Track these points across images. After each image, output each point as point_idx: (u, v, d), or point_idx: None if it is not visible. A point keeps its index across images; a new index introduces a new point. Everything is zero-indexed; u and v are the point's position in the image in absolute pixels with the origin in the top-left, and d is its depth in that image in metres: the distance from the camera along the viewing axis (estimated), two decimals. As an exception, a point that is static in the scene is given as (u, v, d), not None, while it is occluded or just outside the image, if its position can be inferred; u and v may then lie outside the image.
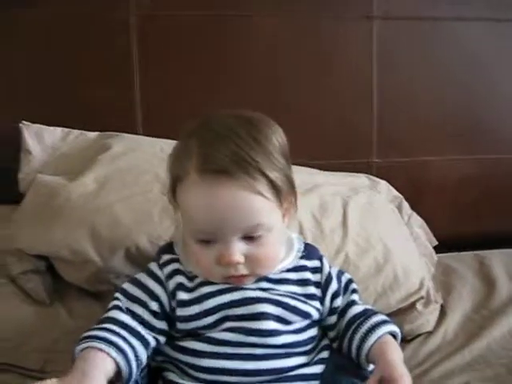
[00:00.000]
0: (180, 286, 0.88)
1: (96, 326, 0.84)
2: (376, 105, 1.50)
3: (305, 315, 0.91)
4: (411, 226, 1.37)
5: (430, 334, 1.20)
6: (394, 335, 0.91)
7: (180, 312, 0.87)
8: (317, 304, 0.93)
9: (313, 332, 0.93)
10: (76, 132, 1.35)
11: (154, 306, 0.88)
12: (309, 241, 1.14)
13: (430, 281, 1.25)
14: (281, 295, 0.90)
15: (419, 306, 1.19)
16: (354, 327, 0.92)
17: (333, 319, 0.96)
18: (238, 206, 0.80)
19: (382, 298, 1.16)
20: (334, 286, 0.96)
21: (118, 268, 1.10)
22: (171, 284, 0.89)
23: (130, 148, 1.26)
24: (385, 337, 0.89)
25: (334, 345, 0.96)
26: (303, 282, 0.93)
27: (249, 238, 0.83)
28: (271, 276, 0.91)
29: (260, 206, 0.82)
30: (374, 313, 0.94)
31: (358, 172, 1.43)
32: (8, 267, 1.17)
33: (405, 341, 1.18)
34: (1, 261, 1.18)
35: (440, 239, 1.43)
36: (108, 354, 0.79)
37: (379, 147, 1.51)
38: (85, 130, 1.36)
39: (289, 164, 0.89)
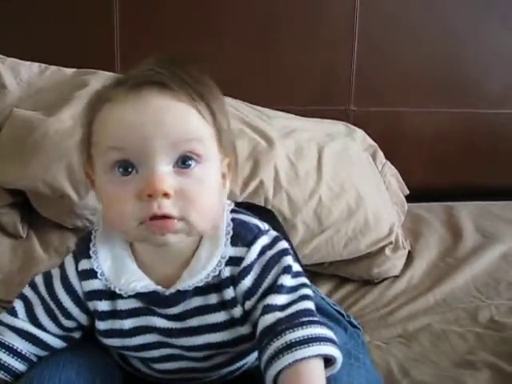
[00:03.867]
0: (100, 314, 0.73)
1: None
2: (356, 53, 1.49)
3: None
4: (384, 175, 1.40)
5: (396, 278, 1.24)
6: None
7: (99, 336, 0.75)
8: (235, 311, 0.71)
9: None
10: (53, 68, 1.33)
11: (68, 323, 0.75)
12: (284, 184, 1.17)
13: (399, 228, 1.29)
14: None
15: (388, 251, 1.23)
16: (263, 344, 0.66)
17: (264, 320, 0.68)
18: (171, 113, 0.64)
19: (353, 242, 1.20)
20: (246, 283, 0.70)
21: (94, 205, 1.10)
22: (90, 306, 0.73)
23: (108, 85, 1.25)
24: (295, 368, 0.62)
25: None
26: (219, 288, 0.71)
27: (180, 164, 0.65)
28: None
29: (197, 123, 0.66)
30: (296, 324, 0.65)
31: (335, 119, 1.44)
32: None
33: (372, 284, 1.23)
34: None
35: (413, 189, 1.45)
36: None
37: (357, 95, 1.52)
38: (62, 66, 1.34)
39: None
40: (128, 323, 0.72)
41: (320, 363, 0.64)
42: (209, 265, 0.70)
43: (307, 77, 1.48)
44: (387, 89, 1.54)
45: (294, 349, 0.63)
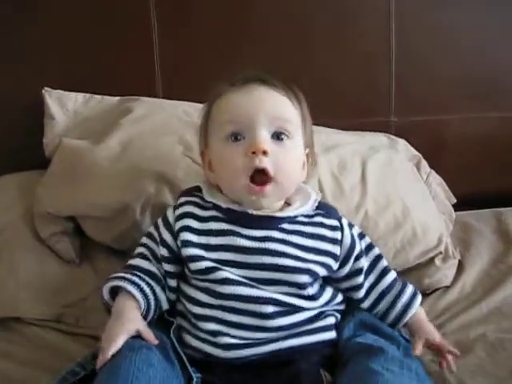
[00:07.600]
0: (186, 228, 0.92)
1: (122, 270, 0.95)
2: (394, 63, 1.49)
3: (307, 272, 0.91)
4: (430, 184, 1.39)
5: (448, 288, 1.22)
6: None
7: (184, 252, 0.91)
8: (328, 260, 0.94)
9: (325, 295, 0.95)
10: (97, 97, 1.38)
11: (162, 250, 0.94)
12: (329, 199, 1.17)
13: (448, 237, 1.27)
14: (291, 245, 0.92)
15: (437, 261, 1.22)
16: (391, 300, 0.99)
17: (359, 280, 0.98)
18: (270, 98, 0.92)
19: (401, 254, 1.19)
20: (358, 248, 0.98)
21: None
22: (178, 226, 0.93)
23: (152, 111, 1.29)
24: (418, 311, 0.99)
25: (363, 305, 0.99)
26: (318, 237, 0.94)
27: (275, 137, 0.91)
28: (285, 226, 0.93)
29: (289, 108, 0.94)
30: (403, 285, 1.01)
31: (376, 131, 1.43)
32: (38, 230, 1.20)
33: (424, 294, 1.20)
34: (33, 224, 1.21)
35: (460, 197, 1.44)
36: (134, 295, 0.89)
37: (398, 106, 1.51)
38: (105, 94, 1.38)
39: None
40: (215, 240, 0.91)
41: None
42: (302, 208, 0.96)
43: (346, 90, 1.48)
44: (428, 97, 1.52)
45: (412, 303, 0.99)
